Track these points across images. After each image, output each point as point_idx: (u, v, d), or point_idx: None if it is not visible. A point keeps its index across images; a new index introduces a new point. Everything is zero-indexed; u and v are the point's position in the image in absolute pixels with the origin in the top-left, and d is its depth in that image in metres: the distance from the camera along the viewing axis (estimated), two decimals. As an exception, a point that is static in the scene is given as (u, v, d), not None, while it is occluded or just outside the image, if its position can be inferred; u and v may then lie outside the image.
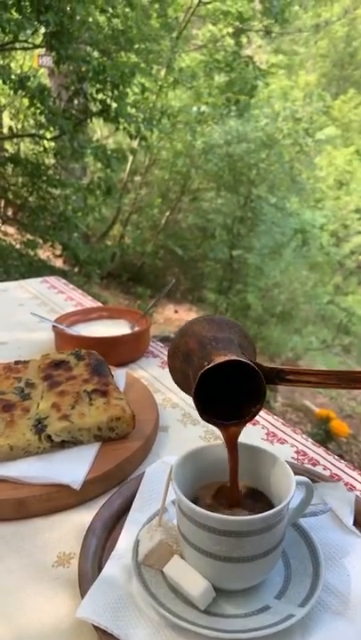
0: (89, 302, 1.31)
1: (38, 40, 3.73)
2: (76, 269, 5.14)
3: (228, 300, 6.63)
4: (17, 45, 3.91)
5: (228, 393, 0.51)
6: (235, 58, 6.75)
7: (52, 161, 4.38)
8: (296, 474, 0.51)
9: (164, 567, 0.50)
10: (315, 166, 7.95)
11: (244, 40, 6.93)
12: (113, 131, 6.13)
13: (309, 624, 0.47)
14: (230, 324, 0.53)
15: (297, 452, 0.73)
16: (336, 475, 0.69)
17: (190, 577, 0.48)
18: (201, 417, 0.50)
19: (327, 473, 0.69)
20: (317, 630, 0.46)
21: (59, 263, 5.47)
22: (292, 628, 0.45)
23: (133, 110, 3.83)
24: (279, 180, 6.22)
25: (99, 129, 7.05)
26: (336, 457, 0.73)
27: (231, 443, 0.52)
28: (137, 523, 0.57)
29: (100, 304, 1.30)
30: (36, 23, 3.21)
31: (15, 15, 3.07)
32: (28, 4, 3.12)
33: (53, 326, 1.00)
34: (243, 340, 0.53)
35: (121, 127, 3.85)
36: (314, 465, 0.71)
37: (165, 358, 1.02)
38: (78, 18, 3.47)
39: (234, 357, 0.46)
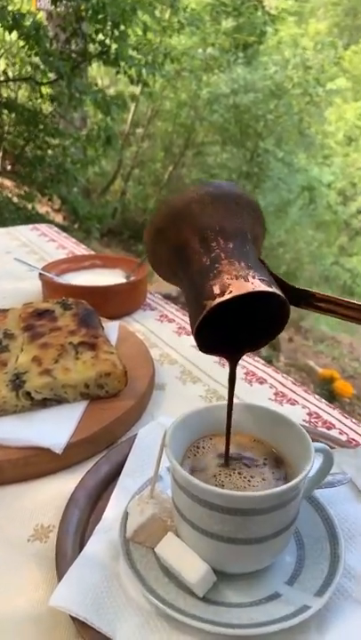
0: (82, 251, 1.21)
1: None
2: (76, 225, 4.99)
3: (232, 258, 6.49)
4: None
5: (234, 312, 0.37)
6: (243, 1, 6.34)
7: (50, 109, 4.16)
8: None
9: (157, 546, 0.42)
10: (324, 120, 7.63)
11: (253, -19, 6.48)
12: (114, 79, 5.84)
13: (327, 615, 0.40)
14: (241, 200, 0.38)
15: (309, 415, 0.65)
16: (354, 440, 0.61)
17: (187, 558, 0.41)
18: (200, 350, 0.39)
19: (344, 438, 0.62)
20: (337, 623, 0.39)
21: (58, 218, 5.31)
22: (306, 620, 0.38)
23: (135, 52, 3.58)
24: (287, 133, 5.96)
25: (99, 78, 6.71)
26: (354, 420, 0.65)
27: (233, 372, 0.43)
28: (127, 490, 0.49)
29: (94, 253, 1.20)
30: None
31: None
32: None
33: (40, 274, 0.91)
34: (256, 228, 0.39)
35: (121, 71, 3.62)
36: (329, 429, 0.63)
37: (164, 311, 0.93)
38: None
39: (260, 288, 0.33)
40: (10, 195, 4.22)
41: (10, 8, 4.83)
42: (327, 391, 2.48)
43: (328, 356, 5.12)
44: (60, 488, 0.52)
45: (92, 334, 0.66)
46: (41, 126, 4.00)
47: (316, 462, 0.45)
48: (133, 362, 0.69)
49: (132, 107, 5.91)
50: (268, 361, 3.03)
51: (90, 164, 4.25)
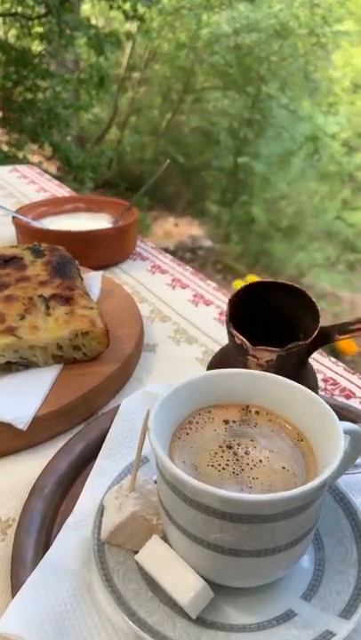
0: (66, 194, 1.08)
1: None
2: (71, 177, 4.77)
3: (232, 212, 6.28)
4: None
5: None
6: None
7: (40, 48, 3.87)
8: None
9: (139, 552, 0.33)
10: (330, 64, 7.22)
11: None
12: (108, 19, 5.44)
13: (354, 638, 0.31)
14: None
15: (325, 381, 0.56)
16: (377, 411, 0.52)
17: (176, 569, 0.32)
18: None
19: (365, 409, 0.52)
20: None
21: (51, 168, 5.08)
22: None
23: (129, -17, 3.29)
24: (292, 77, 5.62)
25: (93, 18, 6.28)
26: (376, 387, 0.55)
27: None
28: (106, 475, 0.40)
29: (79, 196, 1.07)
30: None
31: None
32: None
33: (14, 218, 0.79)
34: None
35: (115, 5, 3.33)
36: (348, 397, 0.53)
37: (156, 262, 0.82)
38: None
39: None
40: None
41: None
42: (330, 348, 2.41)
43: (329, 312, 5.03)
44: (24, 472, 0.43)
45: (67, 286, 0.56)
46: (30, 67, 3.73)
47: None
48: (118, 319, 0.59)
49: (128, 48, 5.54)
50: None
51: (83, 109, 4.01)
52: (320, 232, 7.48)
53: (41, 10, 3.45)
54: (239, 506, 0.27)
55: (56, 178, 3.75)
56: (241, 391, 0.38)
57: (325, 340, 0.41)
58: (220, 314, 0.68)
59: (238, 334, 0.40)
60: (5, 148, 4.12)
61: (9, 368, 0.50)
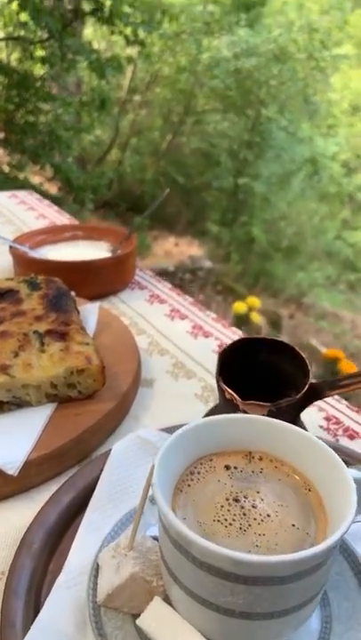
0: (65, 222, 1.08)
1: None
2: (71, 197, 4.80)
3: (232, 232, 6.32)
4: None
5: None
6: None
7: (42, 71, 3.93)
8: None
9: (141, 618, 0.31)
10: (329, 87, 7.35)
11: None
12: (110, 43, 5.55)
13: None
14: None
15: (327, 419, 0.54)
16: (382, 452, 0.50)
17: (183, 634, 0.30)
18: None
19: (370, 449, 0.50)
20: None
21: (52, 189, 5.12)
22: None
23: (130, 10, 3.35)
24: (291, 101, 5.70)
25: (95, 42, 6.41)
26: (381, 426, 0.53)
27: None
28: (96, 529, 0.38)
29: (78, 223, 1.07)
30: None
31: None
32: None
33: (11, 247, 0.78)
34: None
35: (117, 31, 3.40)
36: (352, 438, 0.51)
37: (155, 291, 0.81)
38: None
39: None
40: (0, 163, 4.03)
41: None
42: (331, 372, 2.38)
43: (330, 332, 5.02)
44: (15, 520, 0.41)
45: (62, 321, 0.54)
46: (32, 90, 3.78)
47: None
48: (115, 353, 0.58)
49: (130, 72, 5.64)
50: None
51: (84, 132, 4.05)
52: (320, 252, 7.53)
53: (43, 34, 3.51)
54: (253, 568, 0.26)
55: (56, 199, 3.76)
56: (243, 437, 0.36)
57: (316, 396, 0.40)
58: (219, 346, 0.67)
59: (228, 389, 0.39)
60: (7, 169, 4.16)
61: (1, 407, 0.48)
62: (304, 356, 0.42)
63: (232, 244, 6.50)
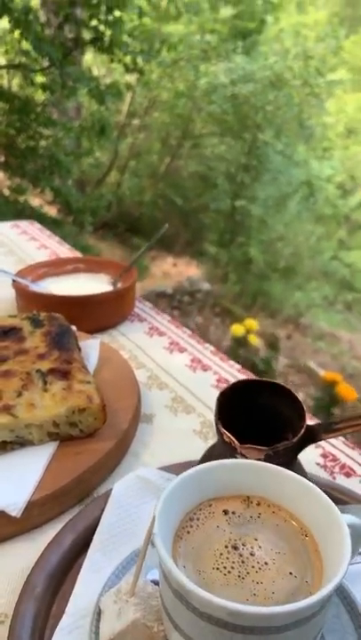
0: (66, 252, 1.10)
1: None
2: (71, 219, 4.86)
3: (230, 253, 6.37)
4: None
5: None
6: (243, -12, 6.18)
7: (43, 97, 4.01)
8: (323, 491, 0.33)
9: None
10: (324, 111, 7.51)
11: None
12: (109, 69, 5.68)
13: None
14: None
15: (324, 456, 0.55)
16: (378, 490, 0.51)
17: None
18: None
19: (366, 487, 0.51)
20: None
21: (51, 211, 5.18)
22: None
23: (130, 39, 3.44)
24: (287, 125, 5.82)
25: (95, 68, 6.56)
26: (376, 463, 0.54)
27: None
28: (97, 571, 0.39)
29: (79, 255, 1.09)
30: None
31: None
32: None
33: (14, 281, 0.80)
34: None
35: (116, 59, 3.48)
36: (348, 475, 0.52)
37: (154, 323, 0.82)
38: None
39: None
40: (1, 187, 4.09)
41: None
42: (329, 395, 2.39)
43: (327, 353, 5.03)
44: (17, 562, 0.42)
45: (64, 359, 0.56)
46: (33, 116, 3.85)
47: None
48: (116, 390, 0.59)
49: (128, 97, 5.75)
50: (267, 363, 2.93)
51: (84, 156, 4.12)
52: (317, 272, 7.59)
53: (44, 62, 3.60)
54: (249, 619, 0.27)
55: (56, 221, 3.79)
56: (241, 482, 0.37)
57: (312, 438, 0.41)
58: (218, 380, 0.68)
59: (227, 432, 0.40)
60: (7, 192, 4.21)
61: (4, 447, 0.49)
62: (299, 398, 0.43)
63: (230, 264, 6.56)
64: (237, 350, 2.96)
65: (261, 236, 6.47)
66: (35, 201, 4.81)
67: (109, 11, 3.13)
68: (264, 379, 0.45)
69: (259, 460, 0.40)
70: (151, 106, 6.53)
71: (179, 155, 6.78)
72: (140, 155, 6.88)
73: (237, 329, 2.85)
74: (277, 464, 0.41)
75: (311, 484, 0.35)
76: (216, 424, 0.42)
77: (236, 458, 0.41)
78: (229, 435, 0.40)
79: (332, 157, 8.32)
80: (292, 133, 6.23)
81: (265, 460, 0.40)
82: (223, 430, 0.41)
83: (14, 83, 4.87)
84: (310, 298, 6.86)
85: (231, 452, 0.41)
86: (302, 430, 0.41)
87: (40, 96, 4.05)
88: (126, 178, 6.73)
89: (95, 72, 6.52)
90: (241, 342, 2.89)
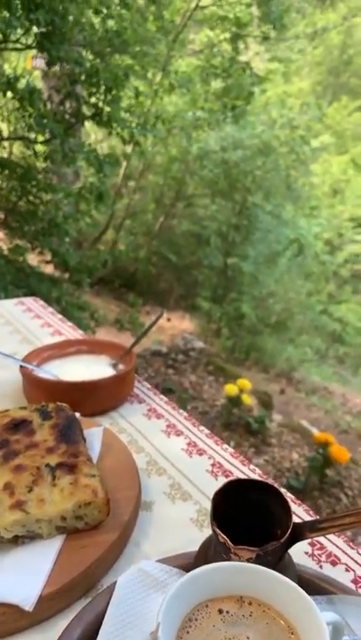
0: (67, 329, 1.16)
1: (30, 40, 3.59)
2: (67, 275, 4.98)
3: (223, 308, 6.51)
4: (8, 46, 3.76)
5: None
6: (232, 64, 6.65)
7: (43, 165, 4.23)
8: (308, 582, 0.38)
9: None
10: (310, 173, 7.90)
11: (241, 46, 6.83)
12: (107, 134, 6.01)
13: None
14: None
15: (312, 545, 0.59)
16: (361, 578, 0.55)
17: None
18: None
19: (350, 576, 0.55)
20: None
21: (49, 269, 5.32)
22: None
23: (127, 115, 3.69)
24: (275, 188, 6.11)
25: (93, 132, 6.93)
26: None
27: None
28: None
29: (79, 332, 1.15)
30: (26, 22, 3.07)
31: (4, 13, 2.92)
32: (18, 1, 2.98)
33: (21, 367, 0.85)
34: None
35: (114, 132, 3.71)
36: (334, 564, 0.57)
37: (152, 404, 0.88)
38: (71, 18, 3.33)
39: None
40: (2, 246, 4.22)
41: (6, 67, 5.03)
42: (322, 456, 2.41)
43: (321, 409, 5.05)
44: (29, 658, 0.45)
45: (71, 452, 0.61)
46: (34, 182, 4.04)
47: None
48: (117, 478, 0.63)
49: (124, 162, 6.06)
50: (260, 422, 2.95)
51: (81, 218, 4.29)
52: (308, 326, 7.72)
53: (46, 135, 3.81)
54: None
55: (53, 280, 3.87)
56: (235, 583, 0.42)
57: (298, 537, 0.46)
58: (213, 465, 0.73)
59: (221, 534, 0.45)
60: (6, 251, 4.34)
61: (15, 541, 0.53)
62: (287, 498, 0.48)
63: (223, 319, 6.68)
64: (231, 410, 3.00)
65: (253, 292, 6.63)
66: (33, 259, 4.95)
67: (108, 90, 3.37)
68: (255, 478, 0.51)
69: (250, 559, 0.45)
70: (146, 169, 6.86)
71: (172, 214, 7.06)
72: (136, 214, 7.15)
73: (231, 389, 2.89)
74: (268, 561, 0.45)
75: (295, 585, 0.40)
76: (212, 524, 0.46)
77: (229, 556, 0.45)
78: (224, 536, 0.45)
79: (320, 215, 8.68)
80: (280, 195, 6.53)
81: (256, 559, 0.45)
82: (218, 531, 0.45)
83: (15, 148, 5.13)
84: (302, 352, 6.95)
85: (225, 551, 0.45)
86: (289, 530, 0.46)
87: (41, 163, 4.27)
88: (122, 235, 6.96)
89: (93, 136, 6.89)
90: (235, 402, 2.93)
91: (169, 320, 6.67)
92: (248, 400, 2.97)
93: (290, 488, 2.47)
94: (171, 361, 3.95)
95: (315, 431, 2.96)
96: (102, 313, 5.50)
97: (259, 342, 6.37)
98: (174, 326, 6.47)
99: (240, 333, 6.37)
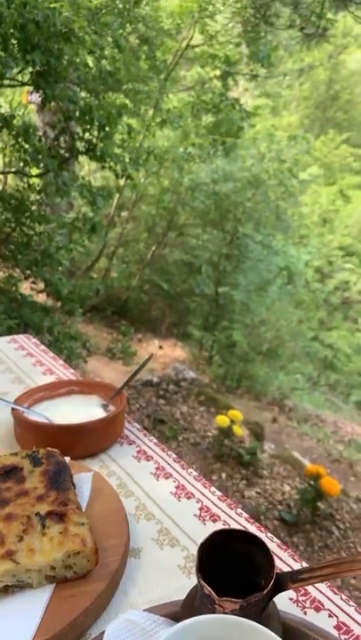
0: (59, 368, 1.18)
1: (26, 77, 3.70)
2: (59, 304, 5.01)
3: (214, 336, 6.54)
4: (4, 83, 3.88)
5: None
6: (222, 100, 6.88)
7: (37, 197, 4.30)
8: (292, 630, 0.39)
9: None
10: (299, 203, 8.09)
11: (230, 83, 7.07)
12: (100, 167, 6.14)
13: None
14: None
15: (296, 590, 0.61)
16: (345, 624, 0.56)
17: None
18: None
19: (333, 622, 0.57)
20: None
21: (41, 297, 5.35)
22: None
23: (120, 150, 3.79)
24: (265, 218, 6.25)
25: (86, 164, 7.07)
26: (344, 597, 0.60)
27: None
28: None
29: (71, 372, 1.17)
30: (22, 63, 3.18)
31: (1, 53, 3.03)
32: (14, 42, 3.09)
33: (13, 409, 0.87)
34: None
35: (107, 166, 3.80)
36: (318, 610, 0.58)
37: (142, 446, 0.89)
38: (66, 58, 3.45)
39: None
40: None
41: (2, 101, 5.17)
42: (314, 488, 2.40)
43: (313, 437, 5.04)
44: None
45: (61, 500, 0.62)
46: (27, 213, 4.11)
47: None
48: (106, 525, 0.65)
49: (117, 194, 6.17)
50: (252, 454, 2.94)
51: (74, 248, 4.35)
52: (299, 353, 7.77)
53: (40, 169, 3.89)
54: None
55: (45, 309, 3.89)
56: (219, 634, 0.43)
57: (281, 588, 0.47)
58: (200, 509, 0.74)
59: (207, 586, 0.46)
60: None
61: (5, 590, 0.54)
62: (270, 548, 0.50)
63: (214, 347, 6.71)
64: (223, 441, 3.00)
65: (244, 320, 6.68)
66: (25, 289, 4.98)
67: (101, 127, 3.47)
68: (239, 529, 0.52)
69: (234, 610, 0.46)
70: (139, 199, 6.98)
71: (164, 243, 7.16)
72: (128, 243, 7.24)
73: (222, 420, 2.90)
74: (252, 612, 0.47)
75: (277, 637, 0.41)
76: (197, 576, 0.48)
77: (214, 607, 0.47)
78: (209, 588, 0.46)
79: (309, 244, 8.84)
80: (270, 225, 6.67)
81: (240, 610, 0.46)
82: (203, 583, 0.47)
83: (10, 180, 5.22)
84: (294, 379, 6.97)
85: (210, 602, 0.47)
86: (271, 582, 0.47)
87: (35, 195, 4.34)
88: (114, 264, 7.03)
89: (86, 167, 7.02)
90: (226, 433, 2.93)
91: (161, 348, 6.69)
92: (239, 431, 2.97)
93: (282, 521, 2.46)
94: (162, 391, 3.95)
95: (306, 462, 2.96)
96: (94, 341, 5.52)
97: (250, 370, 6.39)
98: (166, 354, 6.49)
99: (232, 361, 6.39)
